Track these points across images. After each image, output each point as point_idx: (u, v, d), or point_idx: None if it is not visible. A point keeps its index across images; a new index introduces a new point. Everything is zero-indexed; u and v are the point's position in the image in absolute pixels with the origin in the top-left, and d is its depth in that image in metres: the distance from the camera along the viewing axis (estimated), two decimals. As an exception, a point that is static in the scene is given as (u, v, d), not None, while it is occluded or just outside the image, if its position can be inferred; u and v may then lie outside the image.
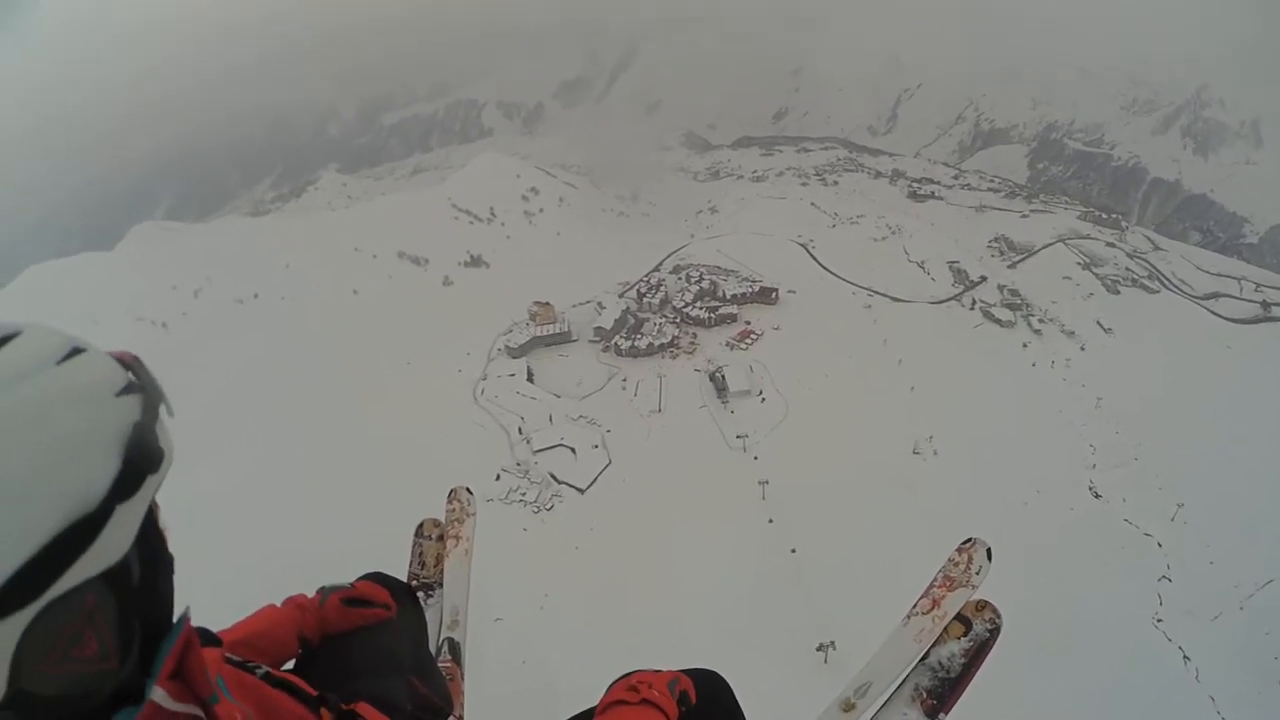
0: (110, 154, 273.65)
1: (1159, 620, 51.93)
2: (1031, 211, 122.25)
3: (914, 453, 66.63)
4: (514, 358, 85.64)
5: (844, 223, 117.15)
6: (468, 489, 4.95)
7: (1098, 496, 63.35)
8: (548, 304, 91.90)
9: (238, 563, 46.00)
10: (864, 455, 65.17)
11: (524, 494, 64.34)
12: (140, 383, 1.41)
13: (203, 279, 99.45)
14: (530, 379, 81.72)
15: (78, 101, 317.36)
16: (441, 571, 4.48)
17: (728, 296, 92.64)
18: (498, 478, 65.54)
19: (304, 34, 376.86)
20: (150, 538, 1.41)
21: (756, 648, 44.34)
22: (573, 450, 69.15)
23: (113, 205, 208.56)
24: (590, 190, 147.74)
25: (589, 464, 67.62)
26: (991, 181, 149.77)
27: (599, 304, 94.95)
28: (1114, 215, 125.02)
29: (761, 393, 75.60)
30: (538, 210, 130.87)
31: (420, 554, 4.60)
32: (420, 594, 4.37)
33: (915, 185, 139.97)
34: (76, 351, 1.32)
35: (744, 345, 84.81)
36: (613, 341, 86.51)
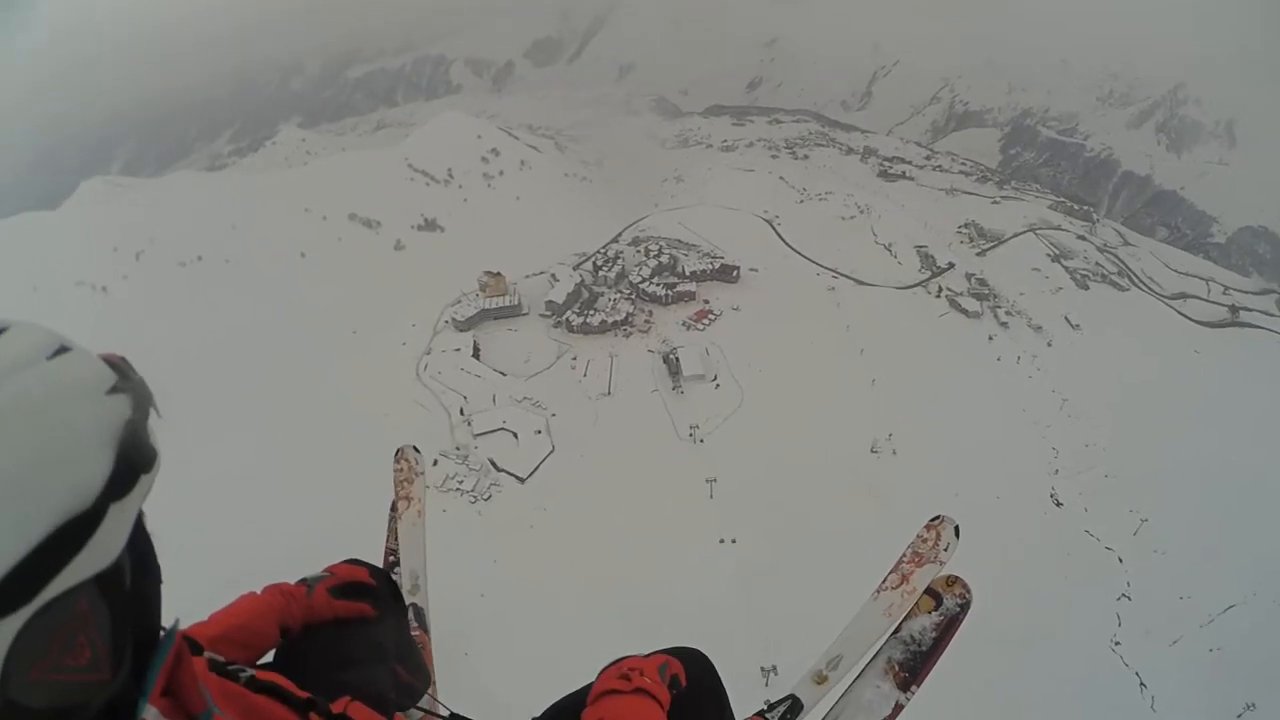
0: (69, 120, 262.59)
1: (1116, 643, 49.97)
2: (1002, 198, 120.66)
3: (872, 451, 63.99)
4: (461, 331, 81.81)
5: (812, 199, 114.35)
6: (414, 447, 4.93)
7: (1059, 504, 61.25)
8: (499, 274, 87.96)
9: (178, 543, 43.12)
10: (820, 453, 62.38)
11: (461, 481, 60.82)
12: (128, 382, 1.38)
13: (146, 240, 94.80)
14: (476, 354, 77.98)
15: (45, 74, 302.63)
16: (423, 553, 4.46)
17: (687, 273, 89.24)
18: (435, 462, 62.02)
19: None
20: (141, 542, 1.37)
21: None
22: (515, 435, 65.73)
23: (65, 162, 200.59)
24: (554, 154, 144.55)
25: (531, 451, 64.21)
26: (963, 164, 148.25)
27: (552, 276, 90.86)
28: (1085, 207, 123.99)
29: (716, 378, 72.61)
30: (497, 173, 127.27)
31: (396, 529, 4.58)
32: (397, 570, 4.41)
33: (886, 164, 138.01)
34: (63, 349, 1.29)
35: (701, 326, 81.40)
36: (564, 316, 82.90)
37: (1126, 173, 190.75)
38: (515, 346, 79.51)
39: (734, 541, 55.20)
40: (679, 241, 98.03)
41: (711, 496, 58.85)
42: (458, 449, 64.61)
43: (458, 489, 60.18)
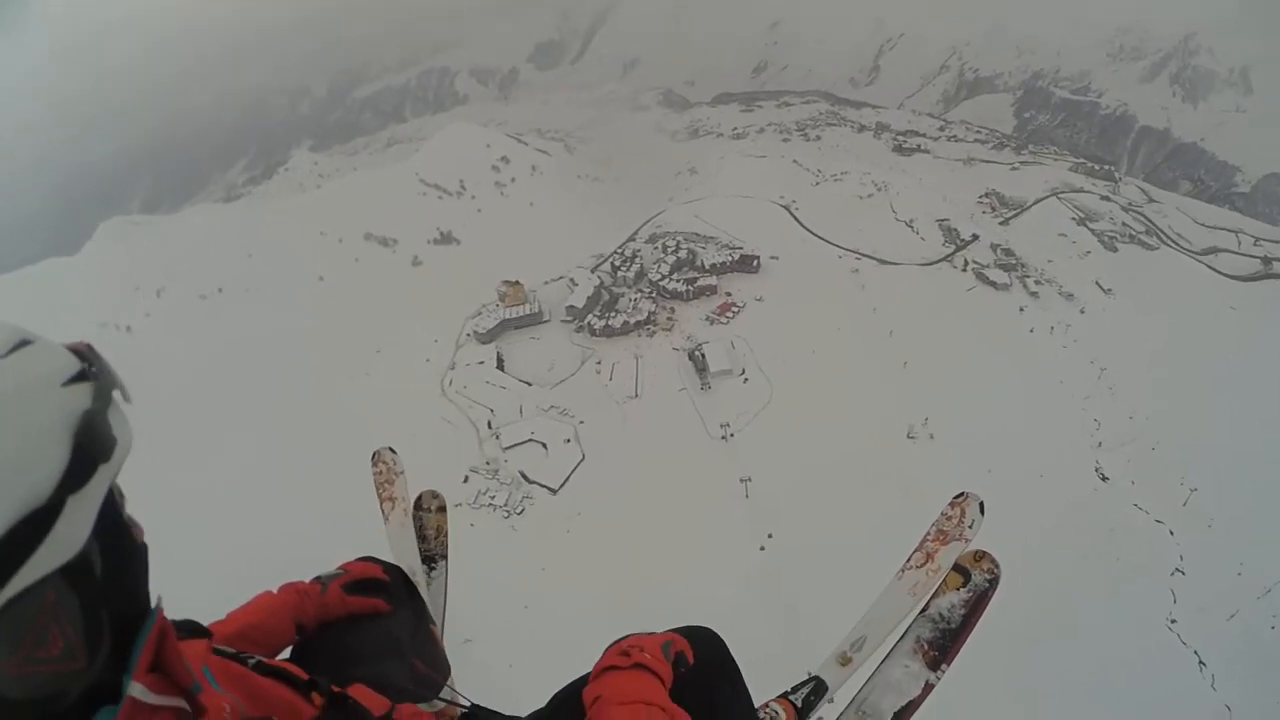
0: (81, 152, 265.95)
1: (1172, 621, 48.25)
2: (1021, 163, 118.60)
3: (908, 437, 62.65)
4: (483, 343, 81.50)
5: (827, 180, 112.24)
6: (390, 449, 4.95)
7: (1105, 479, 59.47)
8: (517, 283, 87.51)
9: (208, 561, 43.86)
10: (855, 442, 61.23)
11: (493, 496, 60.40)
12: (92, 370, 1.36)
13: (166, 276, 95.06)
14: (500, 366, 77.59)
15: (47, 102, 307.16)
16: (445, 542, 4.63)
17: (707, 266, 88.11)
18: (466, 479, 61.72)
19: (276, 15, 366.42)
20: (112, 529, 1.35)
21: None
22: (544, 446, 65.23)
23: (84, 204, 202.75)
24: (564, 156, 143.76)
25: (561, 461, 63.64)
26: (978, 132, 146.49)
27: (571, 280, 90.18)
28: (1106, 166, 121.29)
29: (744, 372, 71.62)
30: (509, 180, 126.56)
31: (421, 527, 4.69)
32: (426, 566, 4.54)
33: (900, 138, 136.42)
34: (23, 344, 1.26)
35: (725, 319, 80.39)
36: (586, 321, 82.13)
37: (1144, 128, 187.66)
38: (539, 355, 78.92)
39: (770, 536, 54.55)
40: (696, 235, 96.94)
41: (747, 496, 57.99)
42: (487, 464, 64.20)
43: (490, 504, 59.77)
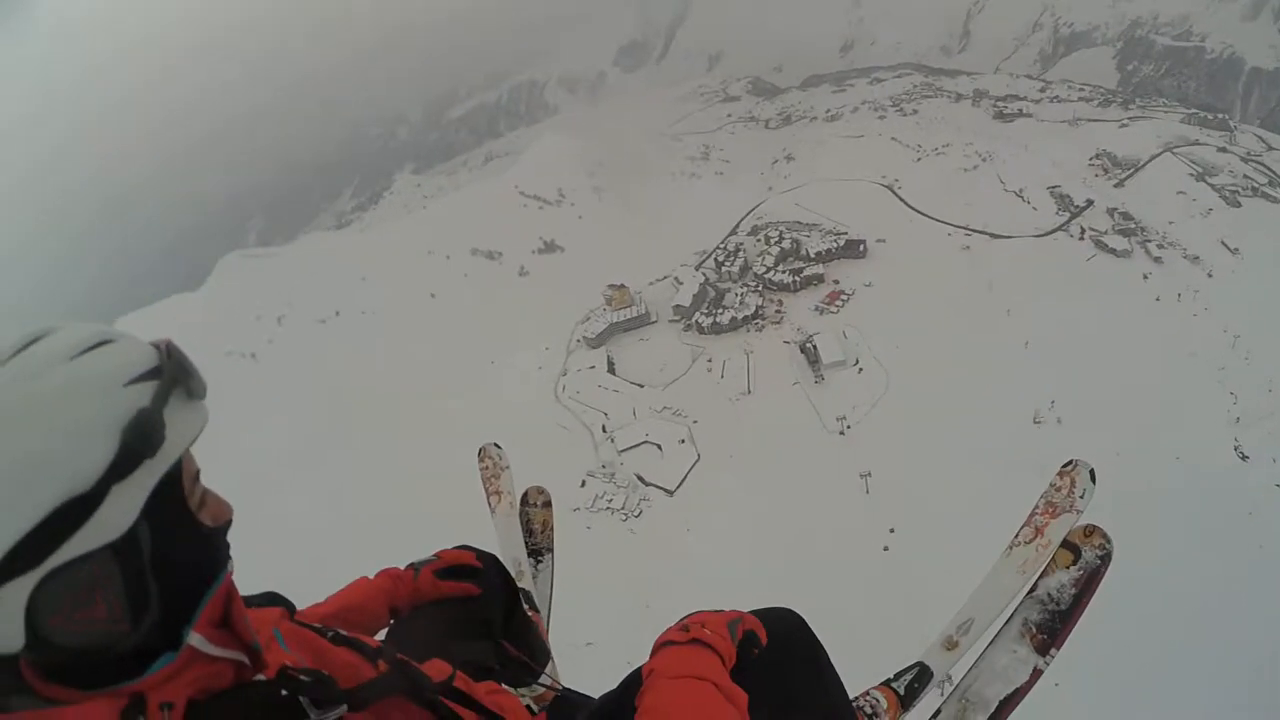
0: (197, 192, 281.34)
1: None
2: (1130, 119, 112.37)
3: (1035, 422, 60.63)
4: (593, 348, 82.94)
5: (929, 155, 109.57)
6: (495, 444, 5.07)
7: (1244, 458, 55.77)
8: (622, 286, 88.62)
9: (330, 559, 45.84)
10: (978, 430, 59.32)
11: (611, 500, 61.48)
12: (161, 371, 1.48)
13: (285, 304, 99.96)
14: (611, 369, 78.79)
15: (165, 157, 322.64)
16: (550, 536, 4.77)
17: (812, 255, 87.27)
18: (583, 484, 62.93)
19: (364, 43, 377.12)
20: (167, 514, 1.48)
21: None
22: (659, 447, 66.03)
23: (203, 242, 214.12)
24: (659, 154, 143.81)
25: (677, 461, 64.37)
26: (1081, 90, 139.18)
27: (676, 279, 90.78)
28: (1219, 115, 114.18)
29: (858, 362, 70.85)
30: (606, 184, 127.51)
31: (528, 521, 4.86)
32: (532, 560, 4.69)
33: (1000, 104, 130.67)
34: (102, 344, 1.42)
35: (835, 308, 79.60)
36: (693, 319, 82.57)
37: (1254, 70, 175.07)
38: (649, 356, 79.79)
39: (892, 532, 53.68)
40: (799, 223, 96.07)
41: (867, 492, 57.33)
42: (604, 467, 65.34)
43: (608, 508, 60.81)
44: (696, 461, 64.23)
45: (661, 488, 62.41)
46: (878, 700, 3.56)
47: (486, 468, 4.96)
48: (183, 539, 1.51)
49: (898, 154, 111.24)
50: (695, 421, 68.23)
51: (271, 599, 2.09)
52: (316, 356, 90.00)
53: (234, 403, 68.21)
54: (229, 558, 1.63)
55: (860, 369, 70.04)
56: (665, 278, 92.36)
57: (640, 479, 63.36)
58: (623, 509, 60.71)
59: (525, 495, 4.99)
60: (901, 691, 3.66)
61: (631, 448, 66.60)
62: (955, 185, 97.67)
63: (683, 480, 62.77)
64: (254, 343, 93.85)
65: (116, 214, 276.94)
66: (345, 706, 1.66)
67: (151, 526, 1.43)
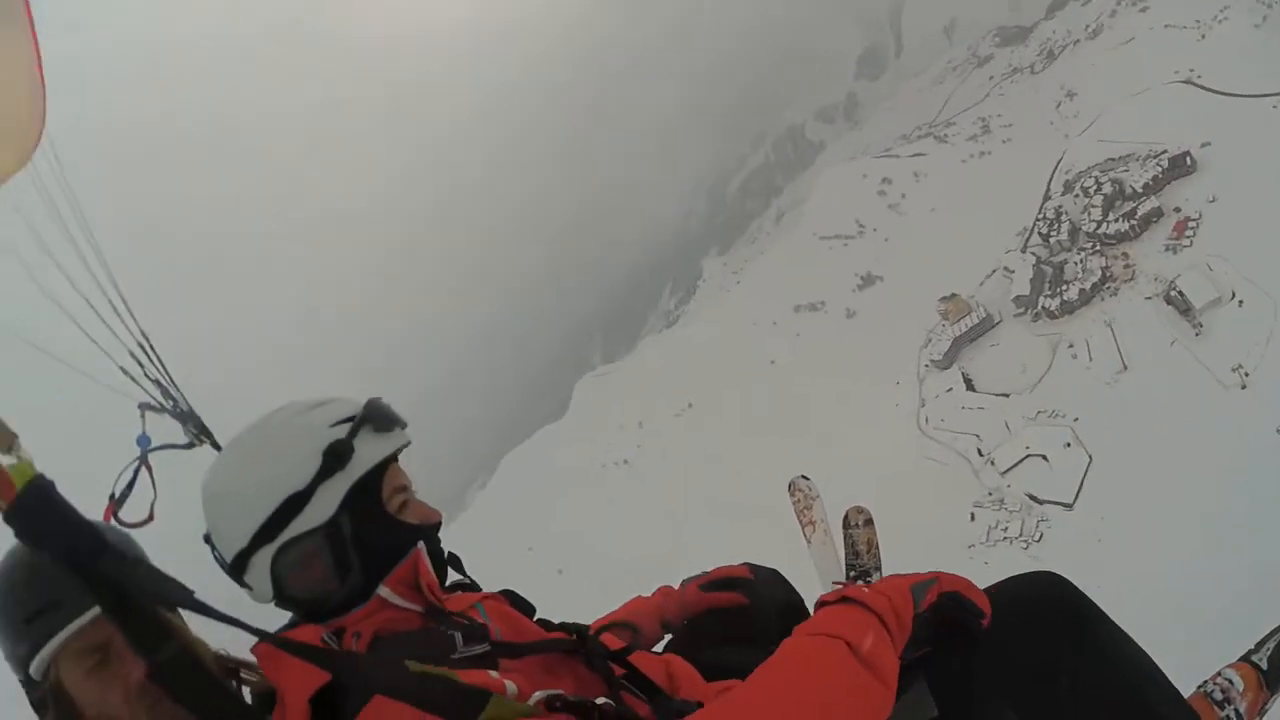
0: (537, 326, 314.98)
1: None
2: None
3: None
4: (944, 369, 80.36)
5: (1213, 25, 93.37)
6: (803, 476, 4.94)
7: None
8: (955, 295, 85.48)
9: None
10: None
11: (1006, 529, 58.25)
12: (356, 418, 2.10)
13: (642, 409, 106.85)
14: (970, 386, 75.52)
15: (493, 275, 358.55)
16: (877, 555, 4.43)
17: (1139, 190, 78.55)
18: (972, 517, 60.17)
19: (641, 150, 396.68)
20: (363, 508, 2.06)
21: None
22: (1044, 458, 61.63)
23: (557, 374, 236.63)
24: (940, 148, 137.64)
25: (1068, 469, 59.73)
26: None
27: (1005, 269, 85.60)
28: None
29: (1234, 295, 62.20)
30: (900, 198, 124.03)
31: (853, 543, 4.52)
32: (859, 581, 4.21)
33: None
34: (326, 403, 2.15)
35: (1186, 240, 70.73)
36: (1039, 306, 77.49)
37: None
38: (1005, 361, 75.94)
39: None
40: (1110, 161, 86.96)
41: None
42: (990, 494, 62.42)
43: (1004, 538, 57.51)
44: (1089, 464, 59.17)
45: (1058, 503, 58.20)
46: (1230, 681, 3.02)
47: (798, 500, 4.96)
48: (376, 526, 2.11)
49: (1179, 41, 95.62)
50: (1076, 419, 63.28)
51: (506, 594, 2.51)
52: (679, 448, 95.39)
53: (618, 506, 77.06)
54: (423, 542, 2.18)
55: (1240, 302, 61.37)
56: (994, 272, 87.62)
57: (1033, 498, 59.57)
58: (1020, 536, 57.30)
59: (845, 518, 4.79)
60: (1265, 665, 3.13)
61: (1014, 466, 63.11)
62: (1259, 46, 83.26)
63: (1079, 489, 58.01)
64: (624, 450, 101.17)
65: (483, 352, 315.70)
66: (488, 644, 2.02)
67: (350, 516, 2.03)
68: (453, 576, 2.35)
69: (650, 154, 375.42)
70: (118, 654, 1.94)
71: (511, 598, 2.46)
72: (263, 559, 1.97)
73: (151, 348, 3.42)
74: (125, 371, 3.35)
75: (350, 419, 2.12)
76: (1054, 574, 2.61)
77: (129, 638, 1.75)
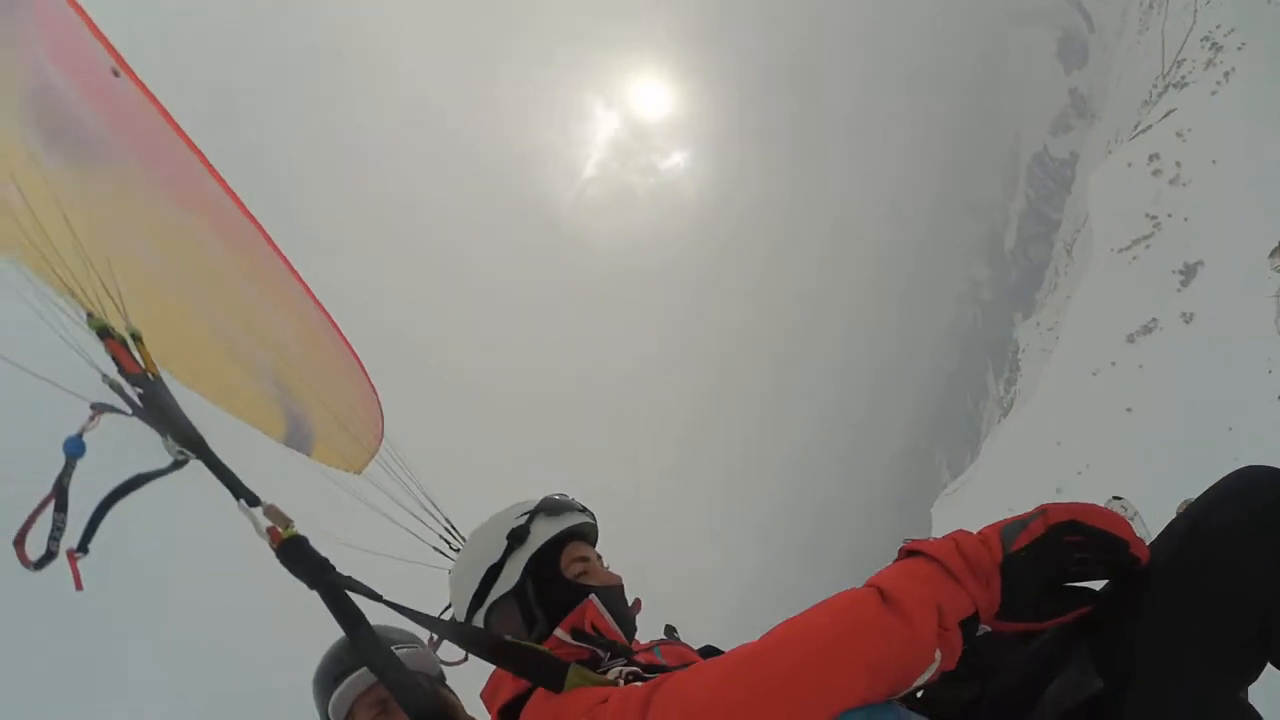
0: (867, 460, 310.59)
1: None
2: None
3: None
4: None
5: None
6: (1115, 496, 5.18)
7: None
8: (1284, 241, 71.84)
9: None
10: None
11: None
12: (533, 514, 2.64)
13: (1007, 507, 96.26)
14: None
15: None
16: None
17: None
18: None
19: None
20: (544, 574, 2.55)
21: None
22: None
23: (904, 500, 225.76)
24: (1184, 96, 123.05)
25: None
26: None
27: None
28: None
29: None
30: (1175, 168, 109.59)
31: None
32: None
33: None
34: (518, 504, 2.72)
35: None
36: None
37: None
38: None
39: None
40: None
41: None
42: None
43: None
44: None
45: None
46: None
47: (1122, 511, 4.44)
48: (554, 587, 2.54)
49: None
50: None
51: (706, 651, 2.65)
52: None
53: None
54: (597, 597, 2.49)
55: None
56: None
57: None
58: None
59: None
60: None
61: None
62: None
63: None
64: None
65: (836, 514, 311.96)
66: (636, 667, 2.20)
67: (533, 581, 2.51)
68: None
69: (908, 252, 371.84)
70: (395, 708, 2.86)
71: (706, 651, 2.65)
72: (479, 618, 2.54)
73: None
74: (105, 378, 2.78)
75: (530, 513, 2.67)
76: (1267, 469, 1.75)
77: (398, 701, 2.41)
